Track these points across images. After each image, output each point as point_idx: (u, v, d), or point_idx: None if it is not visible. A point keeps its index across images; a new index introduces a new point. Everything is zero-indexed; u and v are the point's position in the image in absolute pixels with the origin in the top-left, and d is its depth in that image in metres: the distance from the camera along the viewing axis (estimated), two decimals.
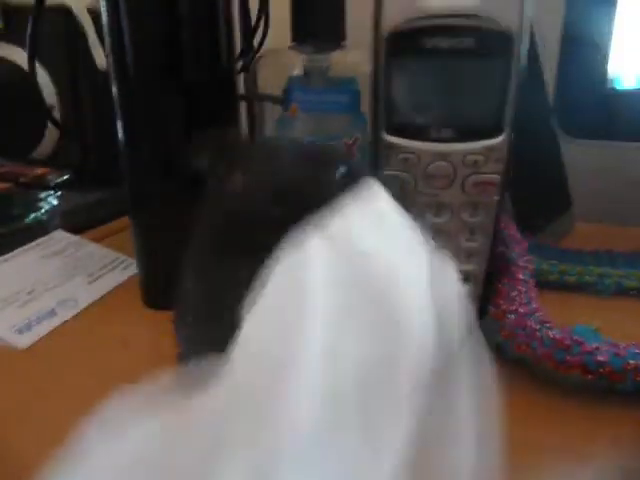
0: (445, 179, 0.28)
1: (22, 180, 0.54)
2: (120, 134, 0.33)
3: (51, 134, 0.63)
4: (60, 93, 0.62)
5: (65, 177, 0.56)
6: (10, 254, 0.40)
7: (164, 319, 0.35)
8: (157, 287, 0.37)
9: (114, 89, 0.32)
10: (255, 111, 0.41)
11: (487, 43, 0.25)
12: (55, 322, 0.35)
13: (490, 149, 0.27)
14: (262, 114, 0.41)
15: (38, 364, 0.31)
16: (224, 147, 0.20)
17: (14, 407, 0.27)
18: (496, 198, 0.28)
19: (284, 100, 0.38)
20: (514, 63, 0.26)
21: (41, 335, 0.33)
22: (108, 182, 0.63)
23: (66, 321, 0.35)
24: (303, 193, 0.17)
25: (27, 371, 0.30)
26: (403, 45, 0.26)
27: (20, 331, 0.33)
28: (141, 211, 0.36)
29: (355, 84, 0.37)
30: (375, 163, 0.28)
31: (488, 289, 0.30)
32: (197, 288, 0.20)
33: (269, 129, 0.42)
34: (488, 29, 0.25)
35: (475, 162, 0.27)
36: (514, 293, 0.29)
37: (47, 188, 0.55)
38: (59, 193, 0.57)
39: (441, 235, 0.29)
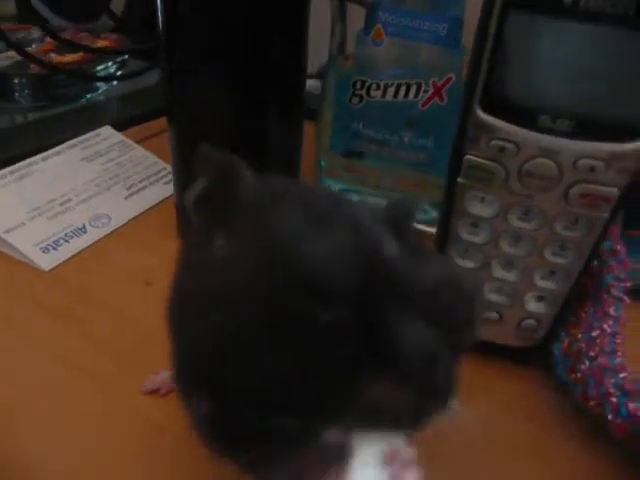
0: (546, 181, 0.21)
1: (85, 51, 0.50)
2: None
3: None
4: None
5: (125, 56, 0.52)
6: (52, 150, 0.38)
7: None
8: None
9: None
10: (335, 29, 0.33)
11: None
12: (83, 242, 0.32)
13: (615, 156, 0.20)
14: (344, 33, 0.33)
15: (54, 290, 0.29)
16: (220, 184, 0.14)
17: (30, 335, 0.26)
18: (606, 215, 0.22)
19: (368, 18, 0.31)
20: None
21: (66, 257, 0.31)
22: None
23: (94, 242, 0.33)
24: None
25: (43, 298, 0.29)
26: None
27: (46, 249, 0.31)
28: (184, 116, 0.30)
29: (460, 10, 0.29)
30: (459, 145, 0.22)
31: (566, 309, 0.25)
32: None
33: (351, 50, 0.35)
34: None
35: (592, 169, 0.21)
36: (596, 332, 0.23)
37: (117, 53, 0.51)
38: (119, 72, 0.53)
39: (523, 241, 0.23)
